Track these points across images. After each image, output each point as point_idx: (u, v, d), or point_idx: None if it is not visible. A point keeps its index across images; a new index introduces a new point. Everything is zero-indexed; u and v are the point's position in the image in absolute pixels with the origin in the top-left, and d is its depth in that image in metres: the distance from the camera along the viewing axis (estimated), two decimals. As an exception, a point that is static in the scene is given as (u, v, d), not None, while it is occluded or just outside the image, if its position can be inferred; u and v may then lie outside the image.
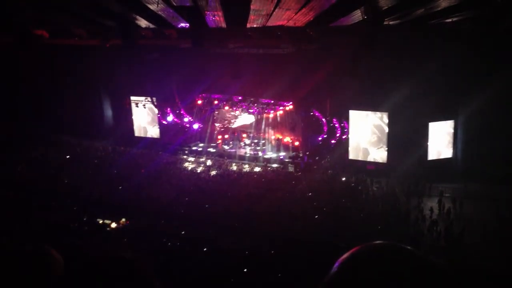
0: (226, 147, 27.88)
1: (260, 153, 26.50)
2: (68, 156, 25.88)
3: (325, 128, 24.84)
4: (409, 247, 1.07)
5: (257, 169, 24.33)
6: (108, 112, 30.46)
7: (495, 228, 16.19)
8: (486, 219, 17.02)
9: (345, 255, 1.11)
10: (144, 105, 29.22)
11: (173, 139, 28.24)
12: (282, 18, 8.82)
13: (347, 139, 24.39)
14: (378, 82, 21.25)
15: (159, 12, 8.43)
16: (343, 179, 21.97)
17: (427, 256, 1.05)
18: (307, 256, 14.64)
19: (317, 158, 24.68)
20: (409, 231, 16.28)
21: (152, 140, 29.55)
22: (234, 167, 24.54)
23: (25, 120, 28.60)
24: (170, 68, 26.01)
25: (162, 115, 28.93)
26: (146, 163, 24.89)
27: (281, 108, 25.98)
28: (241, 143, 27.66)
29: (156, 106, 28.93)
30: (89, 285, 1.21)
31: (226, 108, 27.52)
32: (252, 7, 7.47)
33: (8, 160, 24.32)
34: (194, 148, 27.81)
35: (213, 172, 23.58)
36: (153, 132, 29.87)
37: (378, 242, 1.12)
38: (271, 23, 9.44)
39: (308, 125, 25.56)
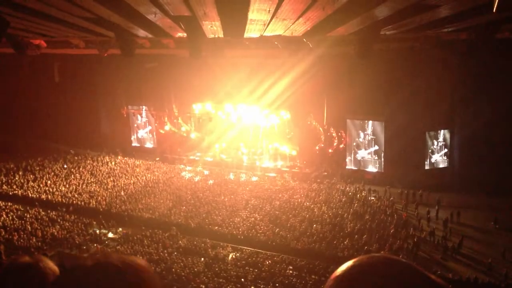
0: (223, 156, 27.85)
1: (257, 162, 26.48)
2: (65, 166, 25.82)
3: (322, 137, 24.88)
4: (404, 261, 1.07)
5: (254, 178, 24.30)
6: (106, 121, 30.46)
7: (492, 237, 16.20)
8: (483, 228, 17.07)
9: (340, 269, 1.11)
10: (141, 114, 29.27)
11: (170, 148, 28.27)
12: (279, 28, 8.86)
13: (344, 148, 24.45)
14: (375, 91, 21.36)
15: (157, 22, 8.46)
16: (341, 188, 21.96)
17: (422, 269, 1.05)
18: (304, 266, 14.62)
19: (314, 167, 24.68)
20: (407, 240, 16.26)
21: (149, 149, 29.57)
22: (232, 176, 24.51)
23: (23, 129, 28.60)
24: (168, 77, 26.10)
25: (160, 124, 28.97)
26: (144, 172, 24.88)
27: (278, 117, 26.02)
28: (239, 152, 27.65)
29: (153, 115, 28.97)
30: None
31: (223, 117, 27.53)
32: (249, 17, 7.50)
33: (6, 170, 24.28)
34: (191, 157, 27.78)
35: (211, 181, 23.53)
36: (150, 141, 29.89)
37: (373, 254, 1.12)
38: (268, 33, 9.48)
39: (305, 134, 25.60)
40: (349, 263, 1.07)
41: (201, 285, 13.38)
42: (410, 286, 1.01)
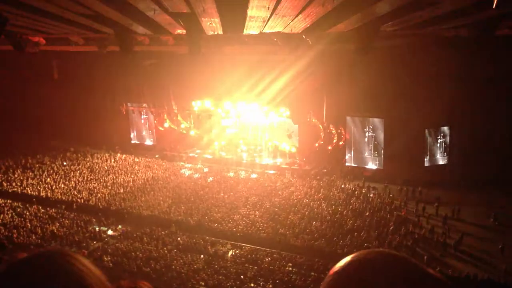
0: (223, 153, 27.85)
1: (257, 159, 26.47)
2: (65, 163, 25.82)
3: (322, 134, 24.86)
4: (403, 255, 1.07)
5: (254, 175, 24.30)
6: (105, 119, 30.38)
7: (491, 234, 16.21)
8: (482, 225, 17.07)
9: (339, 264, 1.10)
10: (141, 111, 29.23)
11: (170, 145, 28.27)
12: (279, 24, 8.84)
13: (344, 145, 24.44)
14: (375, 88, 21.32)
15: (156, 19, 8.44)
16: (340, 185, 21.96)
17: (421, 264, 1.04)
18: (304, 263, 14.63)
19: (313, 164, 24.68)
20: (406, 237, 16.27)
21: (149, 146, 29.55)
22: (231, 174, 24.52)
23: (22, 127, 28.57)
24: (167, 74, 26.05)
25: (159, 121, 28.94)
26: (143, 169, 24.87)
27: (278, 114, 25.98)
28: (238, 149, 27.63)
29: (153, 113, 28.95)
30: None
31: (223, 114, 27.50)
32: (248, 14, 7.48)
33: (5, 168, 24.27)
34: (191, 154, 27.77)
35: (210, 178, 23.54)
36: (150, 138, 29.88)
37: (372, 250, 1.11)
38: (267, 29, 9.46)
39: (305, 131, 25.58)
40: (347, 259, 1.06)
41: (201, 282, 13.40)
42: (409, 280, 1.00)
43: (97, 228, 17.45)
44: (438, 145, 22.96)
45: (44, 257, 1.15)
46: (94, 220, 18.06)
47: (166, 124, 28.72)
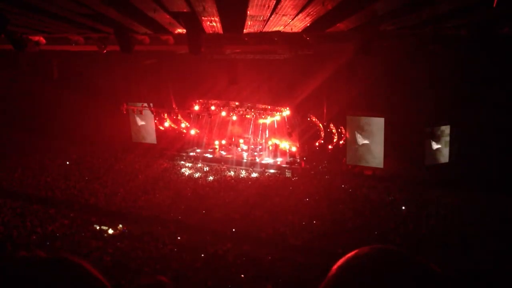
0: (223, 152, 27.86)
1: (257, 159, 26.48)
2: (68, 162, 25.83)
3: (322, 133, 24.87)
4: (405, 251, 1.07)
5: (254, 174, 24.31)
6: (105, 118, 30.36)
7: (492, 234, 16.19)
8: (483, 224, 17.04)
9: (341, 260, 1.11)
10: (140, 111, 29.21)
11: (170, 144, 28.26)
12: (279, 24, 8.83)
13: (344, 144, 24.44)
14: (375, 87, 21.32)
15: (156, 18, 8.44)
16: (341, 184, 21.96)
17: (424, 260, 1.04)
18: (304, 262, 14.63)
19: (314, 163, 24.70)
20: (407, 237, 16.26)
21: (149, 145, 29.52)
22: (232, 173, 24.52)
23: (22, 127, 28.54)
24: (167, 74, 26.06)
25: (159, 120, 28.94)
26: (143, 169, 24.86)
27: (278, 113, 25.98)
28: (238, 148, 27.64)
29: (153, 112, 28.92)
30: None
31: (223, 113, 27.48)
32: (249, 13, 7.48)
33: (4, 167, 24.26)
34: (191, 153, 27.78)
35: (210, 178, 23.55)
36: (150, 137, 29.84)
37: (374, 246, 1.12)
38: (267, 29, 9.46)
39: (305, 131, 25.59)
40: (351, 254, 1.07)
41: (200, 282, 13.39)
42: (411, 276, 1.00)
43: (97, 228, 17.45)
44: (439, 144, 22.93)
45: (55, 263, 1.14)
46: (94, 219, 18.05)
47: (167, 124, 28.72)
